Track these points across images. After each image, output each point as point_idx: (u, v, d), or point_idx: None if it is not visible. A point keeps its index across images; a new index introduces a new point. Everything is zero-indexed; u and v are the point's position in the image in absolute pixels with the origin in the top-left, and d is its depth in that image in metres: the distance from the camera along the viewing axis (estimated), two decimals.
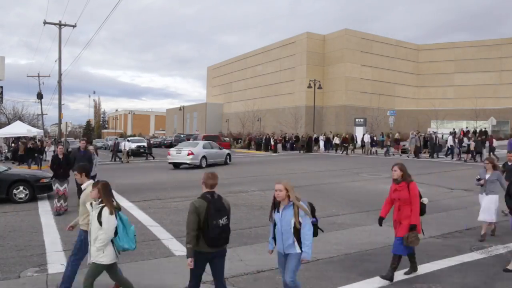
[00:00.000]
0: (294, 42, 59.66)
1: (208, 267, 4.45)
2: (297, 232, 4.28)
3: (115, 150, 29.59)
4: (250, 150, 41.28)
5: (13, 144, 30.30)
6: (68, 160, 10.39)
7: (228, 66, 77.13)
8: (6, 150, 30.41)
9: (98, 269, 4.46)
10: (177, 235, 7.93)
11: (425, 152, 28.44)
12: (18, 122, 35.61)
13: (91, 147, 12.90)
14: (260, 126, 56.57)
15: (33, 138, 28.27)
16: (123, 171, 21.32)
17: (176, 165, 22.31)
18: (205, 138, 35.57)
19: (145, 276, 5.76)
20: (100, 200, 4.54)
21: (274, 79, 63.63)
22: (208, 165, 21.97)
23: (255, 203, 11.32)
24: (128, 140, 35.51)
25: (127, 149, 29.31)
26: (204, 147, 22.86)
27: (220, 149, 25.28)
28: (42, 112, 49.89)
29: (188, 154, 21.45)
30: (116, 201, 4.65)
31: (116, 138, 40.24)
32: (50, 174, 14.39)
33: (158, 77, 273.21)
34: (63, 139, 29.86)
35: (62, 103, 29.71)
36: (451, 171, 18.77)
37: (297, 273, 4.36)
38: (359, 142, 38.49)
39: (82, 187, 5.46)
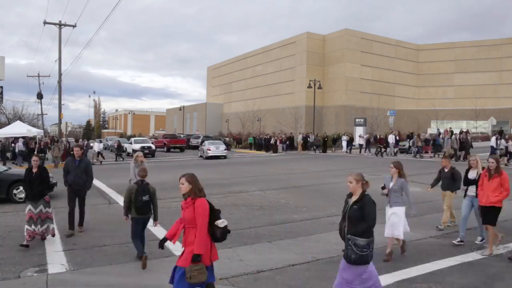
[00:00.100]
0: (294, 42, 59.66)
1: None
2: None
3: (85, 151, 28.76)
4: (250, 150, 41.26)
5: (13, 144, 30.25)
6: (43, 178, 7.60)
7: (228, 66, 77.13)
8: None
9: None
10: None
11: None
12: (18, 122, 35.56)
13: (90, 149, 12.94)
14: (260, 126, 56.57)
15: (33, 138, 28.21)
16: (123, 171, 21.30)
17: (213, 158, 29.67)
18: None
19: (145, 276, 5.76)
20: None
21: (274, 79, 63.63)
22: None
23: (255, 203, 11.32)
24: (100, 141, 35.14)
25: (97, 150, 27.57)
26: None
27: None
28: (42, 112, 49.98)
29: (225, 150, 31.37)
30: None
31: (88, 140, 36.74)
32: (50, 174, 14.40)
33: (158, 77, 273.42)
34: (63, 139, 29.85)
35: (62, 103, 29.73)
36: None
37: None
38: (357, 143, 38.43)
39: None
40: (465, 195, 7.58)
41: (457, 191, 8.38)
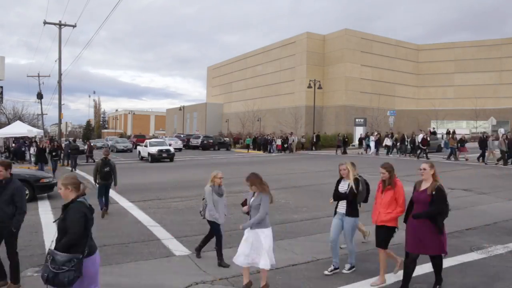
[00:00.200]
0: (294, 42, 59.66)
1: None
2: None
3: (12, 153, 27.18)
4: (248, 151, 41.13)
5: (13, 145, 30.26)
6: None
7: (228, 66, 77.13)
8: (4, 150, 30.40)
9: None
10: (177, 235, 7.93)
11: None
12: (18, 122, 35.59)
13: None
14: (260, 126, 56.57)
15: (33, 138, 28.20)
16: (123, 171, 21.31)
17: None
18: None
19: (145, 276, 5.76)
20: None
21: (274, 79, 63.63)
22: None
23: None
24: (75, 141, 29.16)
25: (33, 152, 24.21)
26: None
27: None
28: (42, 112, 50.00)
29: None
30: None
31: (67, 140, 30.86)
32: (50, 174, 14.40)
33: (158, 77, 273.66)
34: (63, 139, 29.84)
35: (62, 103, 29.74)
36: (451, 171, 18.77)
37: None
38: (356, 142, 38.44)
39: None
40: (335, 213, 6.11)
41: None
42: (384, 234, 5.60)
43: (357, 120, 44.19)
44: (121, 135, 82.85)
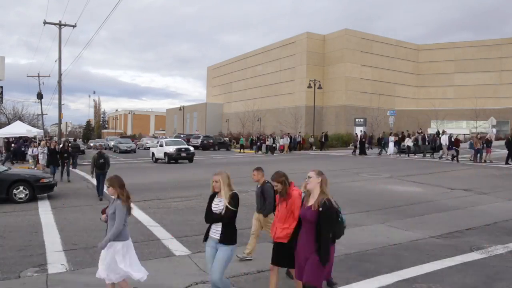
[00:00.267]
0: (294, 42, 59.68)
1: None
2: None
3: (12, 153, 25.57)
4: (241, 151, 40.14)
5: (13, 145, 30.24)
6: None
7: (228, 66, 77.15)
8: (4, 151, 30.38)
9: None
10: (177, 235, 7.93)
11: None
12: (18, 122, 35.58)
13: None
14: (260, 126, 56.58)
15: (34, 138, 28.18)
16: (123, 171, 21.30)
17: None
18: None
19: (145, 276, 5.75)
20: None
21: (274, 79, 63.65)
22: None
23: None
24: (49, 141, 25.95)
25: (36, 154, 20.78)
26: None
27: None
28: (42, 112, 49.92)
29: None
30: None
31: (22, 140, 29.35)
32: (49, 175, 14.40)
33: (158, 77, 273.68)
34: (63, 139, 29.79)
35: (62, 103, 29.73)
36: (451, 171, 18.77)
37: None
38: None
39: None
40: (205, 238, 4.72)
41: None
42: (281, 252, 4.69)
43: (357, 120, 44.23)
44: (121, 135, 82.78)
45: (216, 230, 4.55)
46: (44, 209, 10.72)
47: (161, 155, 25.80)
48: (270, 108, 61.98)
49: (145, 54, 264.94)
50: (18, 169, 16.99)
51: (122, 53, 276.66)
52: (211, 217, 4.58)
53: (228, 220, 4.46)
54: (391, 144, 29.67)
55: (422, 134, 29.99)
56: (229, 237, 4.47)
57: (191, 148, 26.26)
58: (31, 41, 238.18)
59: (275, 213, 5.14)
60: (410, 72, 61.25)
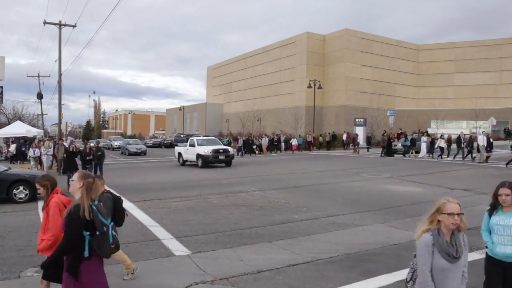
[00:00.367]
0: (294, 42, 59.69)
1: None
2: None
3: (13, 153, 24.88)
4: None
5: (13, 145, 30.28)
6: None
7: (228, 66, 77.17)
8: (6, 150, 30.41)
9: None
10: (177, 235, 7.93)
11: None
12: (18, 122, 35.61)
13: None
14: (260, 126, 56.59)
15: (33, 138, 28.18)
16: (123, 171, 21.32)
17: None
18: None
19: (145, 276, 5.76)
20: None
21: (274, 79, 63.66)
22: None
23: (255, 203, 11.33)
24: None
25: (38, 155, 19.75)
26: None
27: None
28: (42, 112, 49.95)
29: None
30: None
31: (23, 140, 28.48)
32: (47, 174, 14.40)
33: (158, 77, 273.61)
34: (73, 139, 29.76)
35: (62, 103, 29.73)
36: (451, 171, 18.78)
37: None
38: (361, 142, 38.39)
39: None
40: None
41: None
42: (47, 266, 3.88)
43: (357, 120, 44.21)
44: (121, 135, 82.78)
45: None
46: None
47: (192, 157, 22.23)
48: (270, 108, 62.00)
49: (145, 54, 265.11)
50: (18, 169, 16.98)
51: (122, 53, 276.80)
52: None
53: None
54: (423, 145, 26.68)
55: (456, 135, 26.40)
56: None
57: (230, 150, 22.31)
58: (31, 41, 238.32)
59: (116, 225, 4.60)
60: (410, 72, 61.26)
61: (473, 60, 57.35)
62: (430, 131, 47.46)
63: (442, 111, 49.85)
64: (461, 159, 23.81)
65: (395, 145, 28.59)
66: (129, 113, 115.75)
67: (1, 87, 32.95)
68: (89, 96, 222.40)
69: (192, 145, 22.54)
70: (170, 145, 51.09)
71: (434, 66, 60.64)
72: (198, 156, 21.55)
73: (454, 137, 26.20)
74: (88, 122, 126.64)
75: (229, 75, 76.69)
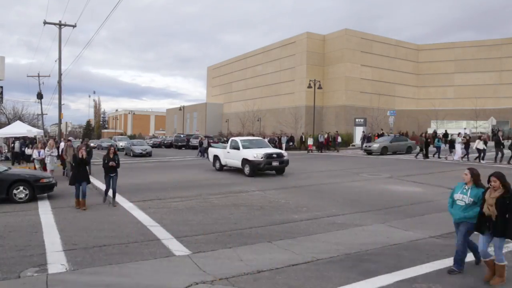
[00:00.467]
0: (294, 42, 59.71)
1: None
2: None
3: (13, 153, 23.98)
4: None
5: (12, 145, 30.28)
6: None
7: (228, 66, 77.19)
8: (6, 150, 30.41)
9: None
10: (177, 235, 7.93)
11: None
12: (18, 122, 35.59)
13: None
14: (260, 126, 56.60)
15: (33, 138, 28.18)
16: (123, 171, 21.27)
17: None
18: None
19: (145, 276, 5.76)
20: None
21: (274, 79, 63.68)
22: None
23: (255, 203, 11.33)
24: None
25: (43, 157, 17.81)
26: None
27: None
28: (42, 112, 49.97)
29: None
30: None
31: (23, 140, 27.90)
32: (49, 175, 14.40)
33: (159, 77, 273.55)
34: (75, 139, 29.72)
35: (62, 103, 29.73)
36: (450, 171, 18.77)
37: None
38: (358, 142, 38.43)
39: None
40: None
41: None
42: None
43: (357, 120, 44.20)
44: (121, 135, 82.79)
45: None
46: (44, 209, 10.72)
47: (234, 162, 18.44)
48: (270, 108, 62.02)
49: (146, 54, 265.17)
50: (18, 169, 17.00)
51: (122, 52, 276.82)
52: None
53: None
54: (458, 147, 23.98)
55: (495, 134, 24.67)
56: None
57: (285, 154, 18.12)
58: (31, 41, 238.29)
59: None
60: (410, 72, 61.28)
61: (473, 60, 57.38)
62: (430, 131, 47.54)
63: (442, 111, 49.88)
64: (501, 161, 21.21)
65: (475, 147, 23.41)
66: (129, 113, 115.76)
67: (1, 87, 32.93)
68: (89, 96, 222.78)
69: (236, 148, 18.43)
70: (170, 145, 51.12)
71: (434, 66, 60.67)
72: (245, 161, 17.40)
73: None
74: (88, 122, 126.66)
75: (229, 75, 76.71)
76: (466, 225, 5.70)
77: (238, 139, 19.44)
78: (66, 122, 46.41)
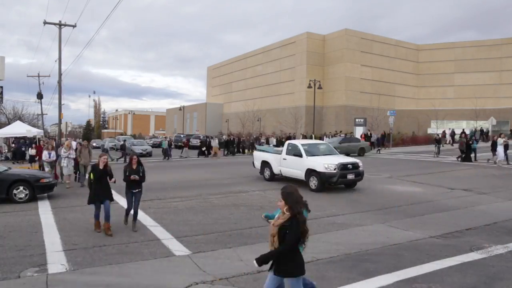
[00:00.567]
0: (294, 42, 59.71)
1: None
2: None
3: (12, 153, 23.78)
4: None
5: (13, 145, 30.29)
6: None
7: (228, 66, 77.21)
8: (6, 150, 30.42)
9: None
10: (177, 235, 7.93)
11: None
12: (18, 122, 35.59)
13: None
14: (260, 126, 56.60)
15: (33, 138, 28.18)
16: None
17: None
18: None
19: (145, 276, 5.76)
20: None
21: (274, 79, 63.69)
22: None
23: (255, 203, 11.33)
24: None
25: (54, 159, 15.42)
26: None
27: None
28: (42, 112, 49.92)
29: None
30: None
31: (23, 140, 27.62)
32: (49, 174, 14.38)
33: (159, 77, 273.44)
34: (79, 140, 29.63)
35: (63, 103, 29.73)
36: (451, 171, 18.77)
37: None
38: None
39: None
40: None
41: None
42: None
43: (357, 120, 44.18)
44: (121, 135, 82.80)
45: None
46: (44, 209, 10.72)
47: (295, 172, 14.76)
48: (270, 108, 62.02)
49: (146, 54, 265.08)
50: (18, 169, 16.98)
51: (122, 52, 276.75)
52: None
53: None
54: (500, 149, 21.33)
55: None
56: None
57: (360, 164, 14.15)
58: (31, 40, 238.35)
59: None
60: (410, 72, 61.28)
61: (473, 60, 57.37)
62: (429, 131, 47.55)
63: (442, 111, 49.86)
64: None
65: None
66: (129, 113, 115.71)
67: (1, 87, 32.95)
68: (89, 96, 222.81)
69: (297, 155, 14.61)
70: (170, 145, 51.00)
71: (434, 66, 60.67)
72: (312, 173, 13.80)
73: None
74: (88, 122, 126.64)
75: (229, 75, 76.73)
76: None
77: (298, 143, 15.40)
78: (66, 122, 46.38)
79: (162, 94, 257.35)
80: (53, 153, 15.35)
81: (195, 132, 66.84)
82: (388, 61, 58.80)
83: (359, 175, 14.01)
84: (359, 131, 41.16)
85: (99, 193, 8.35)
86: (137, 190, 8.61)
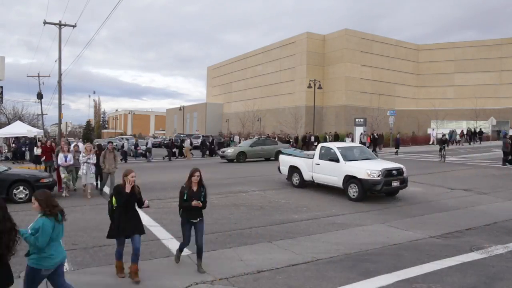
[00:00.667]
0: (294, 42, 59.72)
1: None
2: None
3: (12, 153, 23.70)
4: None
5: (13, 145, 30.29)
6: None
7: (228, 66, 77.22)
8: (6, 150, 30.42)
9: None
10: (177, 235, 7.92)
11: None
12: (18, 122, 35.59)
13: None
14: (260, 126, 56.61)
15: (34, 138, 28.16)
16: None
17: None
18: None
19: (145, 276, 5.76)
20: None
21: (274, 79, 63.71)
22: None
23: (255, 203, 11.33)
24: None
25: (70, 163, 13.06)
26: None
27: None
28: (42, 112, 49.95)
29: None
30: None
31: (23, 140, 27.84)
32: (48, 174, 14.37)
33: (159, 77, 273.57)
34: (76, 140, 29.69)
35: (63, 103, 29.73)
36: (451, 171, 18.77)
37: None
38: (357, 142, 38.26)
39: None
40: None
41: None
42: None
43: (357, 120, 44.16)
44: (121, 135, 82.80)
45: None
46: None
47: (331, 179, 12.96)
48: (270, 108, 62.03)
49: (146, 54, 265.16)
50: (18, 169, 16.98)
51: (122, 52, 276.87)
52: None
53: None
54: None
55: None
56: None
57: (404, 169, 12.50)
58: (31, 40, 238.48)
59: None
60: (410, 72, 61.30)
61: (473, 60, 57.39)
62: (429, 131, 47.54)
63: (442, 111, 49.89)
64: None
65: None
66: (129, 113, 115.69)
67: (1, 87, 32.94)
68: (89, 96, 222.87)
69: (333, 159, 12.87)
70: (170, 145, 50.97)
71: (434, 66, 60.69)
72: (352, 180, 12.12)
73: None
74: (88, 122, 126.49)
75: (229, 75, 76.74)
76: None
77: (333, 146, 13.49)
78: (66, 122, 46.43)
79: (162, 94, 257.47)
80: (70, 155, 13.07)
81: (195, 132, 66.83)
82: (388, 61, 58.81)
83: (404, 182, 12.41)
84: (359, 131, 41.16)
85: (126, 226, 5.71)
86: (197, 220, 6.32)
